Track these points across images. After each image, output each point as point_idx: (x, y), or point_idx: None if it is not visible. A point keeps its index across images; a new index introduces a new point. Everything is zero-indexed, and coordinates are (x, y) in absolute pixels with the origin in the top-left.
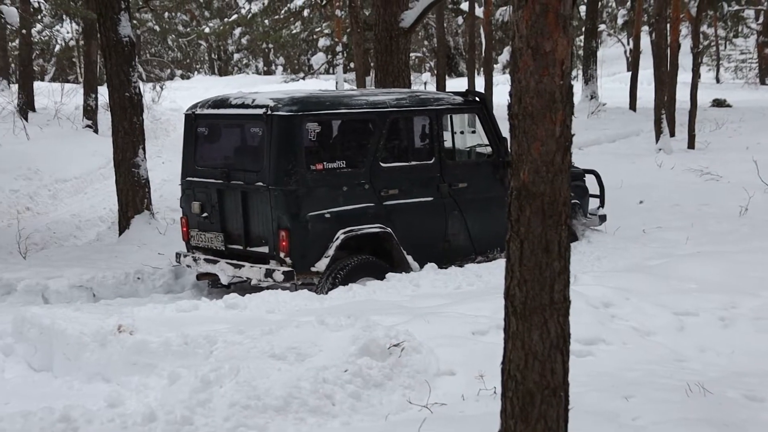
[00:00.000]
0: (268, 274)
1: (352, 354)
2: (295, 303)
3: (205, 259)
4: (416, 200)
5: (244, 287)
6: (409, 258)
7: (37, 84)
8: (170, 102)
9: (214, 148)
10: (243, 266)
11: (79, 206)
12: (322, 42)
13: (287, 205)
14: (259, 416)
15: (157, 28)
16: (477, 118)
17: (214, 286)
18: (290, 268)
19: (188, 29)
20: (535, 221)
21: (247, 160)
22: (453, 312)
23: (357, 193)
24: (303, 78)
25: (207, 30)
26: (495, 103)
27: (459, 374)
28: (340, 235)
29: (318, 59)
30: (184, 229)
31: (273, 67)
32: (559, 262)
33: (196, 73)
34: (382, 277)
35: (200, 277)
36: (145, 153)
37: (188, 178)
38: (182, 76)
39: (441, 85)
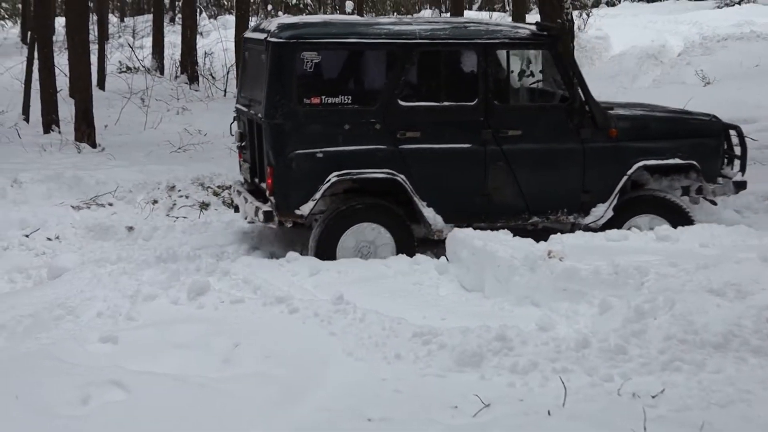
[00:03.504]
0: (256, 212)
1: None
2: (731, 239)
3: (237, 190)
4: (444, 146)
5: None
6: (428, 210)
7: (466, 13)
8: (596, 30)
9: (249, 75)
10: (247, 202)
11: None
12: None
13: (273, 140)
14: (696, 351)
15: None
16: (549, 55)
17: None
18: (270, 209)
19: None
20: None
21: (258, 89)
22: None
23: (364, 133)
24: (739, 3)
25: None
26: None
27: None
28: (332, 178)
29: None
30: (239, 158)
31: None
32: None
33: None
34: (395, 226)
35: (236, 209)
36: None
37: (236, 106)
38: (608, 3)
39: None
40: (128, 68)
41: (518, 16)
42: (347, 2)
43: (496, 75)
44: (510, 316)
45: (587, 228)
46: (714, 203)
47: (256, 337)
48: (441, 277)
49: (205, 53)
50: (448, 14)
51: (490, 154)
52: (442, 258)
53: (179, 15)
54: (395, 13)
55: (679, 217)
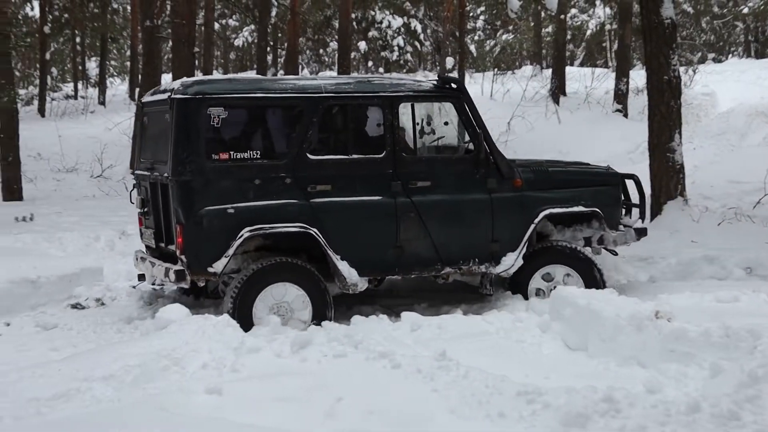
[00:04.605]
0: (166, 273)
1: None
2: None
3: (141, 257)
4: (355, 199)
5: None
6: (342, 264)
7: (567, 69)
8: (702, 86)
9: (149, 138)
10: (155, 264)
11: None
12: None
13: (182, 197)
14: None
15: (690, 10)
16: (453, 108)
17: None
18: (182, 268)
19: (724, 10)
20: None
21: (163, 149)
22: None
23: (274, 188)
24: None
25: (745, 10)
26: None
27: None
28: (245, 234)
29: None
30: (140, 225)
31: None
32: None
33: (729, 56)
34: (309, 285)
35: (140, 277)
36: (680, 138)
37: (135, 172)
38: (715, 60)
39: None
40: None
41: (622, 71)
42: (447, 59)
43: (403, 127)
44: (615, 376)
45: (498, 277)
46: (615, 253)
47: (358, 391)
48: (543, 335)
49: None
50: (550, 70)
51: (401, 206)
52: (545, 315)
53: (281, 71)
54: (496, 69)
55: (585, 267)
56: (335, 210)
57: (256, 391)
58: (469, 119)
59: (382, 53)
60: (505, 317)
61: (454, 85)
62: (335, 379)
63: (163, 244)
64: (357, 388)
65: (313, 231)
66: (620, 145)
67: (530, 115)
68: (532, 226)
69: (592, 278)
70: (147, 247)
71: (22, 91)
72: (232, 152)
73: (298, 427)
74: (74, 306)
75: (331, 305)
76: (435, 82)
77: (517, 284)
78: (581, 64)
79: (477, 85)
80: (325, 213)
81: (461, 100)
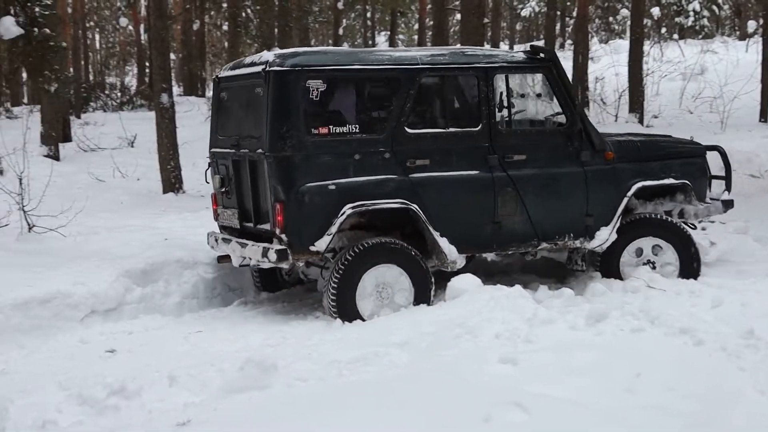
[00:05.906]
0: (264, 253)
1: None
2: None
3: (222, 239)
4: (454, 173)
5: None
6: (443, 241)
7: None
8: None
9: (231, 114)
10: (247, 245)
11: None
12: None
13: (281, 174)
14: None
15: None
16: (545, 79)
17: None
18: (284, 247)
19: None
20: None
21: (253, 125)
22: None
23: (374, 163)
24: None
25: None
26: None
27: None
28: (347, 210)
29: None
30: (214, 206)
31: None
32: None
33: None
34: (410, 266)
35: (220, 259)
36: None
37: (211, 150)
38: None
39: None
40: None
41: None
42: (749, 22)
43: (498, 99)
44: None
45: (592, 253)
46: (693, 227)
47: (658, 367)
48: None
49: (596, 78)
50: None
51: (498, 181)
52: None
53: (568, 41)
54: None
55: (679, 239)
56: (435, 185)
57: (551, 363)
58: (561, 90)
59: (676, 19)
60: None
61: (543, 55)
62: (633, 353)
63: (250, 224)
64: (657, 364)
65: (414, 207)
66: None
67: None
68: (625, 199)
69: (689, 253)
70: (223, 227)
71: None
72: (331, 126)
73: (595, 401)
74: None
75: (432, 286)
76: (527, 53)
77: (607, 260)
78: None
79: None
80: (424, 188)
81: (552, 70)
